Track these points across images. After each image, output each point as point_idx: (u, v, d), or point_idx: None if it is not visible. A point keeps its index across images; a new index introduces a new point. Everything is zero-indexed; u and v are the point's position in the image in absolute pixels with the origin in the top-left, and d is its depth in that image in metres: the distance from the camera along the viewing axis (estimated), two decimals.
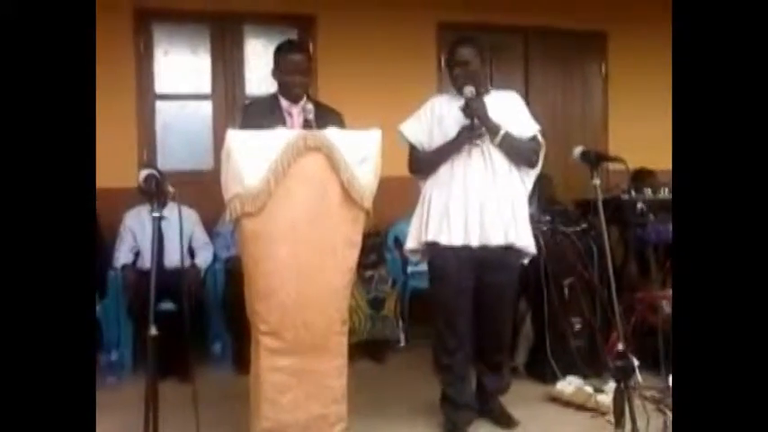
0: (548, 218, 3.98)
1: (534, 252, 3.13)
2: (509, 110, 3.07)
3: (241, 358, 3.50)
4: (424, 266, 3.31)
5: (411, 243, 3.16)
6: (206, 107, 5.04)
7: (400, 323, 4.46)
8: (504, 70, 5.67)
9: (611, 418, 2.66)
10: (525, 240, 3.05)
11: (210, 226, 4.40)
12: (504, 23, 5.53)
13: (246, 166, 2.49)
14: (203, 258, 4.25)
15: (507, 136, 2.97)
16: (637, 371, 3.20)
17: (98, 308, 3.96)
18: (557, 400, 3.41)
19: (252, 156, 2.49)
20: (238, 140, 2.51)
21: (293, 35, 4.99)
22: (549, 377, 3.62)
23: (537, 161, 3.09)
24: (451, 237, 2.97)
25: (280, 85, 3.07)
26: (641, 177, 4.30)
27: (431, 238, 3.01)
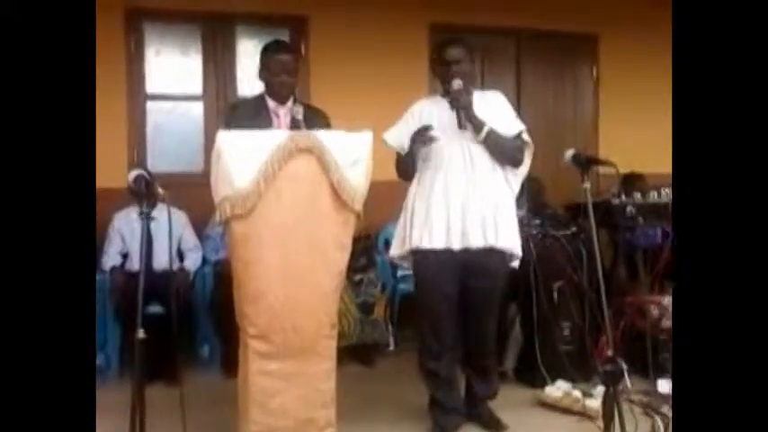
0: (537, 221, 3.99)
1: (520, 254, 3.11)
2: (494, 109, 3.06)
3: (229, 362, 3.48)
4: None
5: (395, 250, 3.16)
6: (197, 108, 5.02)
7: (390, 327, 4.46)
8: (495, 72, 5.68)
9: (599, 422, 2.67)
10: (508, 242, 3.02)
11: (200, 228, 4.38)
12: (496, 25, 5.54)
13: (236, 168, 2.47)
14: (192, 261, 4.22)
15: (492, 132, 2.96)
16: (626, 375, 3.22)
17: None
18: (545, 404, 3.41)
19: (242, 157, 2.48)
20: (228, 142, 2.49)
21: (285, 36, 4.98)
22: (538, 381, 3.62)
23: (522, 160, 3.08)
24: (433, 240, 2.96)
25: (266, 85, 3.06)
26: (631, 181, 4.32)
27: (414, 244, 3.01)
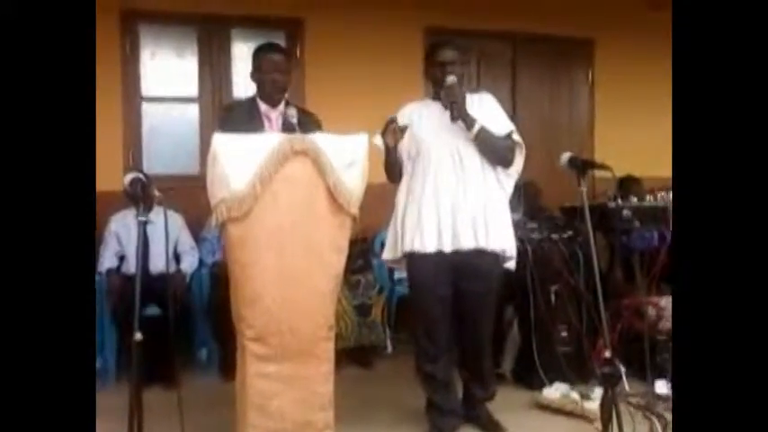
0: (534, 224, 3.99)
1: (514, 255, 3.11)
2: (484, 109, 3.04)
3: (227, 364, 3.47)
4: None
5: (388, 253, 3.16)
6: (193, 110, 5.02)
7: (387, 329, 4.46)
8: (491, 76, 5.69)
9: (597, 424, 2.67)
10: (500, 243, 3.01)
11: (196, 231, 4.37)
12: (492, 29, 5.56)
13: (233, 171, 2.46)
14: (189, 263, 4.22)
15: (483, 130, 2.95)
16: (624, 377, 3.22)
17: None
18: (543, 406, 3.41)
19: (238, 160, 2.47)
20: (224, 144, 2.48)
21: (281, 38, 4.99)
22: (535, 383, 3.62)
23: (512, 160, 3.07)
24: (425, 244, 2.95)
25: (258, 85, 3.06)
26: (627, 185, 4.34)
27: (407, 248, 3.00)
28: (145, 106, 4.91)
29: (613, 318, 3.57)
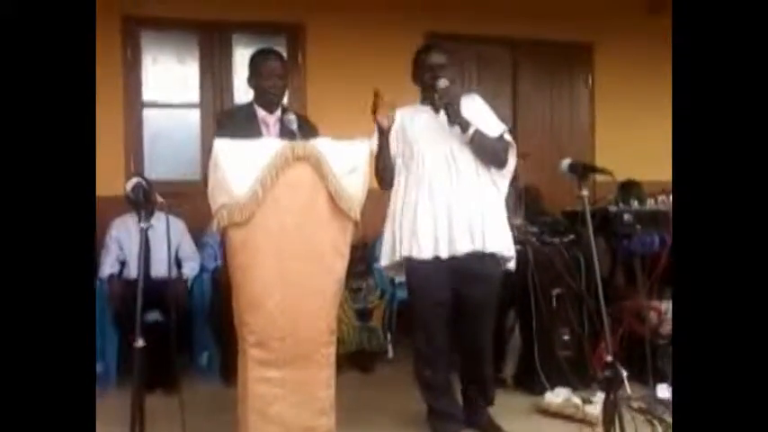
0: (535, 229, 3.99)
1: (513, 255, 3.10)
2: (474, 111, 3.04)
3: (228, 369, 3.47)
4: None
5: (385, 260, 3.14)
6: (194, 116, 5.03)
7: (388, 334, 4.45)
8: (491, 81, 5.70)
9: (599, 428, 2.66)
10: (498, 245, 3.00)
11: (197, 236, 4.37)
12: (492, 34, 5.57)
13: (234, 176, 2.47)
14: (190, 268, 4.21)
15: (478, 132, 2.95)
16: (625, 381, 3.21)
17: None
18: (545, 411, 3.40)
19: (239, 165, 2.48)
20: (226, 150, 2.49)
21: (282, 43, 5.00)
22: (537, 388, 3.61)
23: (506, 160, 3.07)
24: (421, 249, 2.95)
25: (256, 91, 3.06)
26: (628, 189, 4.33)
27: (404, 253, 3.00)
28: (146, 112, 4.92)
29: (615, 322, 3.57)
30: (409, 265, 3.02)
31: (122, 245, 4.13)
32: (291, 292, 2.56)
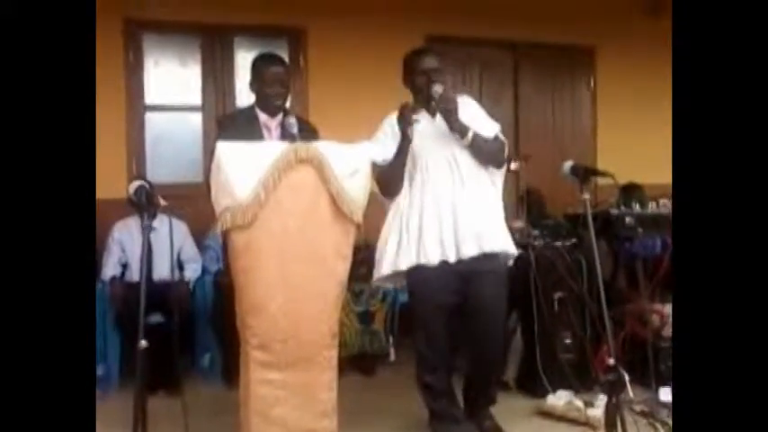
0: (537, 232, 3.99)
1: (515, 252, 3.10)
2: (468, 113, 3.02)
3: (230, 371, 3.47)
4: None
5: (387, 269, 3.03)
6: (196, 119, 5.03)
7: (390, 337, 4.45)
8: (493, 84, 5.71)
9: (602, 431, 2.66)
10: (501, 244, 3.00)
11: (199, 238, 4.38)
12: (494, 37, 5.58)
13: (237, 179, 2.47)
14: (192, 271, 4.22)
15: (477, 136, 2.95)
16: (627, 384, 3.21)
17: None
18: (547, 414, 3.40)
19: (242, 168, 2.48)
20: (228, 152, 2.49)
21: (284, 47, 5.02)
22: (539, 391, 3.61)
23: (504, 160, 3.09)
24: (428, 256, 2.93)
25: (258, 96, 3.06)
26: (630, 192, 4.32)
27: (411, 261, 2.95)
28: (148, 115, 4.93)
29: (617, 325, 3.57)
30: (415, 271, 2.99)
31: (124, 247, 4.14)
32: (294, 295, 2.56)
